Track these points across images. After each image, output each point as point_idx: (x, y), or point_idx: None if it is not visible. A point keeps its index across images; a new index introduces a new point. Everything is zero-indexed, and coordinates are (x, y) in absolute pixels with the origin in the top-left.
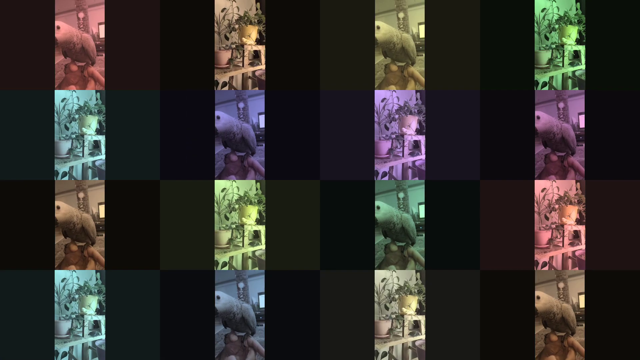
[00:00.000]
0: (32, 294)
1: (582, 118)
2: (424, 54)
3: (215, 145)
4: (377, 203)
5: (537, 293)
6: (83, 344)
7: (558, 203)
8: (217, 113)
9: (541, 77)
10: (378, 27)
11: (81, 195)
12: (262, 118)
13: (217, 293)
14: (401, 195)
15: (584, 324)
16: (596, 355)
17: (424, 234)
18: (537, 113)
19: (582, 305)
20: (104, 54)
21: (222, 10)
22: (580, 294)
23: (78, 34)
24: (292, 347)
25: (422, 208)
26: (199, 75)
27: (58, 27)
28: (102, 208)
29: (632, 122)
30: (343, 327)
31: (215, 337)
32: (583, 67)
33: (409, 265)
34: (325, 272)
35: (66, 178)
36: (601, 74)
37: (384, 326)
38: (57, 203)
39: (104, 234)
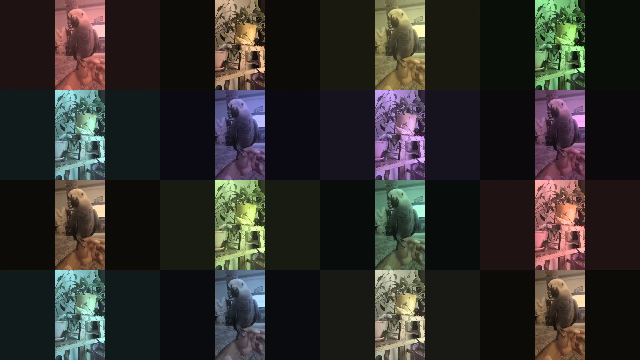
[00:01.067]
0: (31, 294)
1: (573, 119)
2: (424, 54)
3: (220, 145)
4: (399, 190)
5: (560, 280)
6: (79, 348)
7: (555, 201)
8: (239, 100)
9: (535, 81)
10: (402, 14)
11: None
12: (253, 119)
13: (239, 280)
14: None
15: (584, 324)
16: (596, 355)
17: (424, 234)
18: (559, 100)
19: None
20: (104, 54)
21: (219, 9)
22: (572, 294)
23: (90, 26)
24: (292, 347)
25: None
26: (199, 75)
27: (82, 14)
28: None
29: (632, 122)
30: (343, 327)
31: (224, 334)
32: (581, 70)
33: (420, 261)
34: (325, 272)
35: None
36: (601, 74)
37: (377, 327)
38: (79, 190)
39: (104, 234)
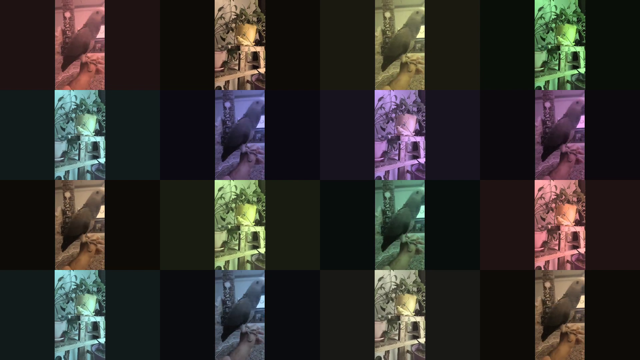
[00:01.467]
0: (31, 294)
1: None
2: (424, 54)
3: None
4: (422, 188)
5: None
6: (79, 348)
7: (555, 202)
8: (256, 99)
9: (535, 81)
10: (417, 12)
11: (67, 194)
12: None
13: (262, 278)
14: (387, 194)
15: (584, 324)
16: (596, 356)
17: (424, 234)
18: (582, 98)
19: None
20: (104, 54)
21: (219, 9)
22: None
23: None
24: (292, 347)
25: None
26: (199, 75)
27: (97, 12)
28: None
29: (632, 122)
30: (343, 327)
31: (229, 334)
32: (581, 71)
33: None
34: (325, 272)
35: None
36: (601, 74)
37: (377, 328)
38: (102, 188)
39: (104, 234)
